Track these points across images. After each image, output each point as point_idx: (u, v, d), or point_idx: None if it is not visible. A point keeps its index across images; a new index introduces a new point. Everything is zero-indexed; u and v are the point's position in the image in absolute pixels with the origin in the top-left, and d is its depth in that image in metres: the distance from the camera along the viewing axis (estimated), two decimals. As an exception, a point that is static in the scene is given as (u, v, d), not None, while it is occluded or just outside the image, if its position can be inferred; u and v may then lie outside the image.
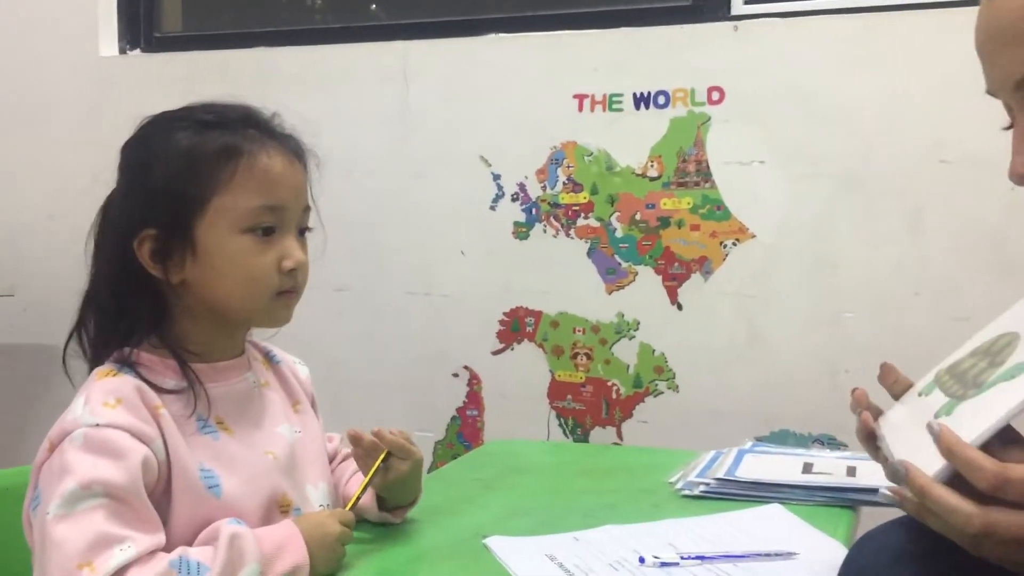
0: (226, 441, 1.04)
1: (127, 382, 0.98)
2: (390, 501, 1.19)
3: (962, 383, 0.84)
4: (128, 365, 1.01)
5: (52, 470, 0.93)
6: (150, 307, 1.04)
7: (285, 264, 1.04)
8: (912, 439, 0.82)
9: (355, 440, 1.15)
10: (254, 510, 1.03)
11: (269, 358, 1.20)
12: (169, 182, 1.01)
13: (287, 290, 1.06)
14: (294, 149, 1.08)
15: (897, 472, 0.77)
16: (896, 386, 0.94)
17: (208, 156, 1.02)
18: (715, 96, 2.20)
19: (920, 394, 0.90)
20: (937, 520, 0.74)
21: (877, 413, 0.92)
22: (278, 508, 1.06)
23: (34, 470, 0.96)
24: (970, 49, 0.88)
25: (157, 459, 0.96)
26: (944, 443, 0.74)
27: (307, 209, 1.09)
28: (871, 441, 0.90)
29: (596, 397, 2.32)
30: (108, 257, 1.04)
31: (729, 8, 2.25)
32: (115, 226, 1.04)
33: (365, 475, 1.15)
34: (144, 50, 2.78)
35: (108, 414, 0.94)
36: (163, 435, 0.97)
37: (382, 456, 1.13)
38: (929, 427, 0.76)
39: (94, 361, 1.04)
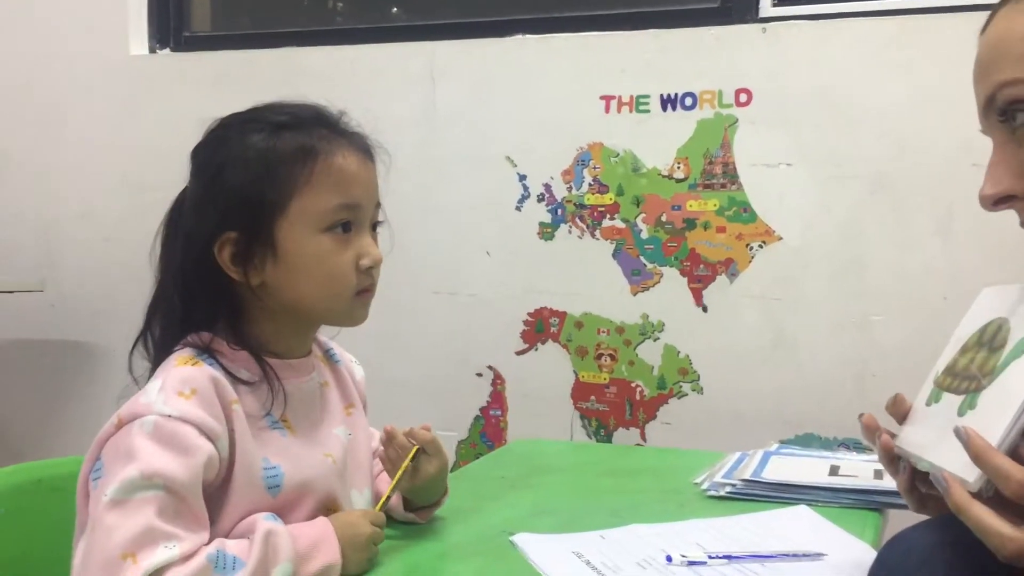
0: (291, 440, 1.05)
1: (205, 372, 0.98)
2: (415, 502, 1.19)
3: (970, 378, 0.83)
4: (208, 352, 1.01)
5: (118, 449, 0.93)
6: (227, 309, 1.04)
7: (363, 262, 1.05)
8: (941, 448, 0.81)
9: (390, 437, 1.15)
10: (306, 510, 1.04)
11: (329, 356, 1.20)
12: (247, 185, 1.01)
13: (364, 288, 1.06)
14: (364, 147, 1.08)
15: (939, 483, 0.77)
16: (899, 413, 0.94)
17: (285, 158, 1.02)
18: (743, 98, 2.20)
19: (928, 404, 0.89)
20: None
21: (890, 435, 0.92)
22: (326, 511, 1.06)
23: (97, 441, 0.96)
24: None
25: (220, 456, 0.96)
26: (973, 449, 0.74)
27: (378, 205, 1.09)
28: (894, 464, 0.91)
29: (620, 398, 2.32)
30: (181, 262, 1.04)
31: (757, 10, 2.25)
32: (190, 230, 1.04)
33: (391, 475, 1.15)
34: (174, 49, 2.80)
35: (181, 405, 0.94)
36: (232, 431, 0.97)
37: (412, 453, 1.13)
38: (956, 432, 0.76)
39: (156, 363, 1.04)
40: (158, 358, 1.04)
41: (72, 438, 2.70)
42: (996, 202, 0.88)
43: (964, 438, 0.75)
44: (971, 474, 0.75)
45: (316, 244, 1.02)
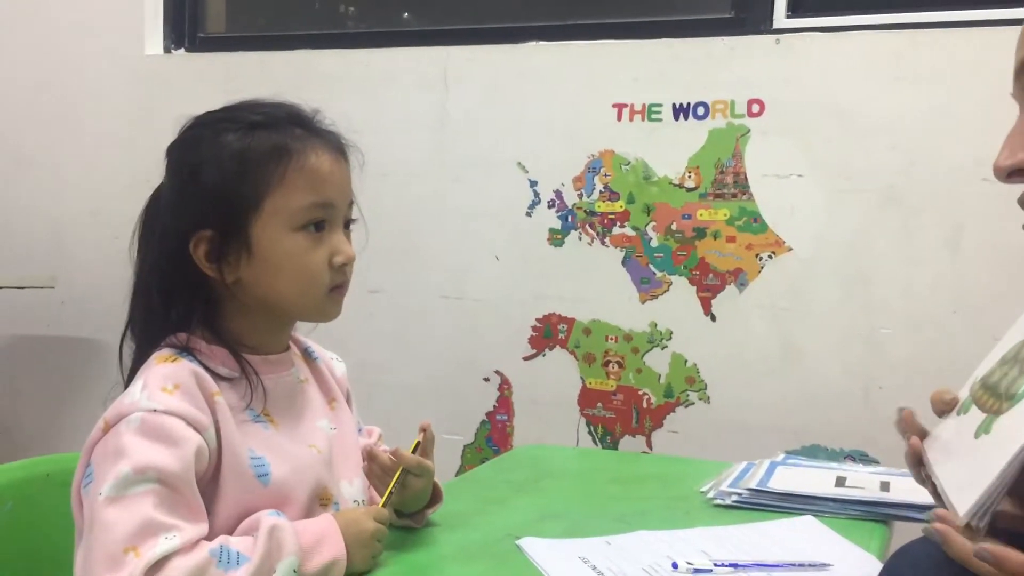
0: (273, 432, 1.06)
1: (185, 368, 1.00)
2: (404, 509, 1.18)
3: (996, 396, 0.82)
4: (187, 351, 1.02)
5: (107, 450, 0.94)
6: (202, 305, 1.05)
7: (336, 260, 1.06)
8: (957, 469, 0.80)
9: (371, 457, 1.15)
10: (299, 501, 1.04)
11: (307, 354, 1.21)
12: (222, 184, 1.03)
13: (337, 285, 1.08)
14: (338, 145, 1.10)
15: (932, 536, 0.76)
16: (946, 406, 0.90)
17: (259, 157, 1.03)
18: (755, 108, 2.20)
19: (959, 412, 0.88)
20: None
21: (923, 433, 0.90)
22: (319, 501, 1.07)
23: (86, 448, 0.97)
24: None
25: (209, 447, 0.97)
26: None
27: (351, 203, 1.11)
28: (919, 467, 0.89)
29: (627, 406, 2.32)
30: (158, 258, 1.05)
31: (771, 21, 2.25)
32: (166, 228, 1.05)
33: (376, 490, 1.15)
34: (188, 50, 2.82)
35: (165, 400, 0.96)
36: (217, 422, 0.98)
37: (397, 474, 1.12)
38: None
39: (137, 364, 1.05)
40: (139, 358, 1.05)
41: (80, 434, 2.67)
42: (1010, 174, 0.85)
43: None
44: (963, 505, 0.74)
45: (290, 242, 1.04)
